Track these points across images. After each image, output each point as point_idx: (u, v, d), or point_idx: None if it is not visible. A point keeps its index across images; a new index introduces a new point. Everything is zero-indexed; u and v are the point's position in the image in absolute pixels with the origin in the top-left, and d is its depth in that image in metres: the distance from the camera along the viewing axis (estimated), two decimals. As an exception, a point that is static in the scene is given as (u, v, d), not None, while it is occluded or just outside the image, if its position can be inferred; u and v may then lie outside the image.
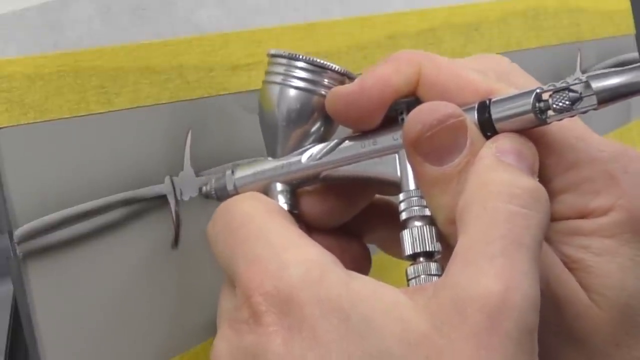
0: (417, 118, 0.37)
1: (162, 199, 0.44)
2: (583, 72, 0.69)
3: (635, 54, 0.75)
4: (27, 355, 0.40)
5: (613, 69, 0.36)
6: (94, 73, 0.42)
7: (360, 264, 0.42)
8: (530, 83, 0.41)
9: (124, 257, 0.42)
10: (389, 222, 0.43)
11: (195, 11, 0.46)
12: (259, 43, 0.48)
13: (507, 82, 0.40)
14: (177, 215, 0.44)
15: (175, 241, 0.44)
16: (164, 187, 0.44)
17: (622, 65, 0.36)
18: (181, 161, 0.45)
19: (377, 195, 0.44)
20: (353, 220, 0.43)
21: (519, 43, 0.63)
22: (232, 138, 0.46)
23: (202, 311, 0.45)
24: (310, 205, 0.42)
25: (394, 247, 0.43)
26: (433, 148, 0.37)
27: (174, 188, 0.44)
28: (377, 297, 0.35)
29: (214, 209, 0.40)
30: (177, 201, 0.44)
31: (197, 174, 0.45)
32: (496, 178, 0.36)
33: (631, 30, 0.75)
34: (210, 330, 0.43)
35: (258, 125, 0.43)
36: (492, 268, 0.33)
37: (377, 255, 0.45)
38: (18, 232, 0.38)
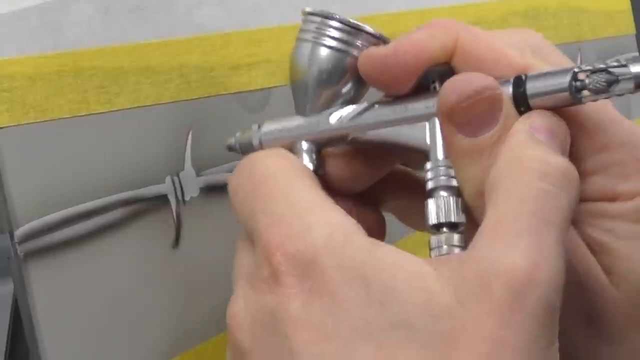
0: (453, 88, 0.37)
1: (162, 199, 0.44)
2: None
3: (635, 54, 0.75)
4: (27, 355, 0.40)
5: None
6: (94, 73, 0.42)
7: (376, 233, 0.42)
8: (563, 60, 0.41)
9: (124, 257, 0.42)
10: (407, 191, 0.43)
11: (196, 11, 0.46)
12: (259, 43, 0.48)
13: (542, 58, 0.39)
14: (178, 215, 0.44)
15: (176, 241, 0.44)
16: (164, 187, 0.44)
17: None
18: (182, 161, 0.45)
19: (397, 166, 0.44)
20: (372, 188, 0.43)
21: (519, 43, 0.63)
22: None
23: (203, 311, 0.44)
24: (335, 168, 0.41)
25: (412, 216, 0.43)
26: (467, 119, 0.37)
27: (174, 188, 0.44)
28: (401, 266, 0.34)
29: (215, 210, 0.40)
30: (177, 201, 0.44)
31: (198, 173, 0.45)
32: (529, 154, 0.36)
33: (631, 30, 0.75)
34: (211, 330, 0.43)
35: (259, 125, 0.43)
36: (520, 244, 0.33)
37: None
38: (19, 232, 0.38)
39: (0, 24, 0.39)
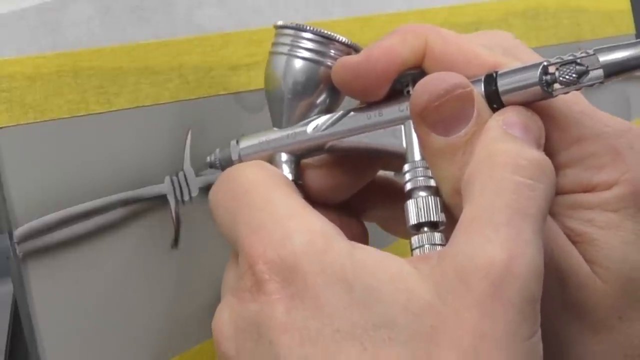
0: (424, 88, 0.37)
1: (162, 199, 0.44)
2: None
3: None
4: (27, 355, 0.40)
5: (621, 43, 0.36)
6: (93, 73, 0.42)
7: (359, 242, 0.42)
8: (535, 58, 0.41)
9: (123, 257, 0.42)
10: (390, 199, 0.43)
11: (195, 11, 0.46)
12: (259, 43, 0.48)
13: (513, 57, 0.40)
14: (177, 215, 0.44)
15: (175, 241, 0.44)
16: (164, 187, 0.44)
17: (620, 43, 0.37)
18: (181, 161, 0.45)
19: (379, 174, 0.44)
20: (353, 197, 0.43)
21: (519, 43, 0.63)
22: (232, 138, 0.46)
23: (202, 311, 0.44)
24: (315, 178, 0.42)
25: (395, 225, 0.43)
26: (440, 118, 0.37)
27: (174, 188, 0.44)
28: (381, 267, 0.35)
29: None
30: (177, 201, 0.44)
31: (197, 173, 0.45)
32: (503, 149, 0.36)
33: (631, 30, 0.75)
34: (210, 330, 0.43)
35: (258, 125, 0.43)
36: (497, 237, 0.34)
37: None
38: (18, 232, 0.38)
39: (0, 24, 0.39)
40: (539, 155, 0.36)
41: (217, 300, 0.39)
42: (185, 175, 0.45)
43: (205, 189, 0.45)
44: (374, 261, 0.35)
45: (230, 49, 0.47)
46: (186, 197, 0.44)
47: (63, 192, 0.40)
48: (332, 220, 0.37)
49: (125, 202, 0.42)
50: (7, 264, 0.39)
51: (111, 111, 0.42)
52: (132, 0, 0.43)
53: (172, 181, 0.44)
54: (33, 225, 0.39)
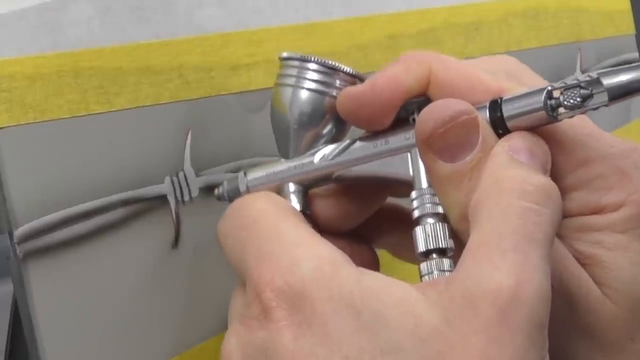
0: (429, 115, 0.37)
1: (162, 199, 0.44)
2: (583, 72, 0.69)
3: (635, 54, 0.75)
4: (27, 355, 0.40)
5: (624, 66, 0.36)
6: (93, 73, 0.42)
7: (370, 269, 0.42)
8: (539, 82, 0.41)
9: (124, 257, 0.42)
10: (400, 226, 0.43)
11: (195, 11, 0.46)
12: (259, 43, 0.48)
13: (517, 81, 0.40)
14: (177, 215, 0.44)
15: (175, 241, 0.44)
16: (164, 187, 0.44)
17: (623, 65, 0.37)
18: (181, 161, 0.45)
19: (388, 201, 0.44)
20: (363, 225, 0.43)
21: (519, 43, 0.63)
22: (232, 138, 0.46)
23: (202, 311, 0.45)
24: (323, 208, 0.42)
25: (405, 251, 0.43)
26: (445, 145, 0.37)
27: (174, 188, 0.44)
28: (389, 293, 0.35)
29: (214, 209, 0.40)
30: (177, 201, 0.44)
31: (197, 174, 0.45)
32: (509, 175, 0.36)
33: (631, 30, 0.75)
34: (211, 330, 0.43)
35: (258, 125, 0.43)
36: (504, 263, 0.34)
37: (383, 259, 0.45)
38: (18, 232, 0.38)
39: (0, 24, 0.39)
40: (545, 180, 0.36)
41: (218, 300, 0.40)
42: (185, 175, 0.45)
43: (206, 189, 0.45)
44: (381, 287, 0.35)
45: (230, 49, 0.47)
46: (186, 197, 0.44)
47: (63, 192, 0.40)
48: (342, 248, 0.37)
49: (125, 202, 0.42)
50: (7, 264, 0.39)
51: (111, 111, 0.42)
52: (132, 0, 0.43)
53: (172, 181, 0.44)
54: (33, 225, 0.39)
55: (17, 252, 0.38)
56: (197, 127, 0.45)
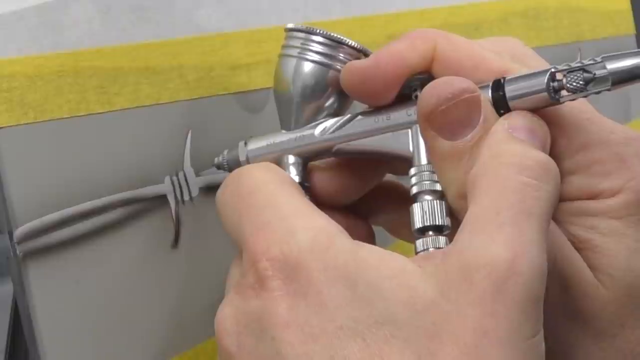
0: (431, 92, 0.37)
1: (162, 199, 0.44)
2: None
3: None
4: (27, 355, 0.40)
5: (628, 51, 0.36)
6: (93, 73, 0.42)
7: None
8: (544, 65, 0.41)
9: (124, 257, 0.42)
10: (397, 204, 0.43)
11: (195, 11, 0.46)
12: (259, 43, 0.48)
13: (521, 63, 0.40)
14: (177, 215, 0.44)
15: (175, 241, 0.44)
16: (163, 187, 0.44)
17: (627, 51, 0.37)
18: (181, 161, 0.45)
19: (386, 178, 0.44)
20: (361, 201, 0.43)
21: (519, 43, 0.63)
22: (232, 138, 0.46)
23: (202, 311, 0.45)
24: (322, 181, 0.42)
25: (401, 229, 0.44)
26: (446, 122, 0.37)
27: (174, 188, 0.44)
28: (384, 264, 0.35)
29: (214, 209, 0.40)
30: (177, 201, 0.44)
31: (197, 173, 0.45)
32: (508, 150, 0.36)
33: (631, 30, 0.75)
34: (211, 330, 0.43)
35: (258, 125, 0.43)
36: (501, 236, 0.34)
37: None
38: (18, 232, 0.38)
39: (0, 23, 0.39)
40: (544, 156, 0.36)
41: (218, 300, 0.39)
42: (185, 175, 0.45)
43: (205, 189, 0.45)
44: (376, 258, 0.35)
45: (230, 49, 0.47)
46: (186, 197, 0.44)
47: (63, 192, 0.40)
48: (338, 222, 0.37)
49: (125, 202, 0.42)
50: (7, 264, 0.39)
51: (111, 111, 0.42)
52: (132, 0, 0.43)
53: (172, 181, 0.44)
54: (33, 225, 0.39)
55: (17, 252, 0.38)
56: (197, 127, 0.45)
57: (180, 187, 0.44)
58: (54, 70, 0.40)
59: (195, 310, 0.44)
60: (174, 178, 0.44)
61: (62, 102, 0.40)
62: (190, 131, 0.45)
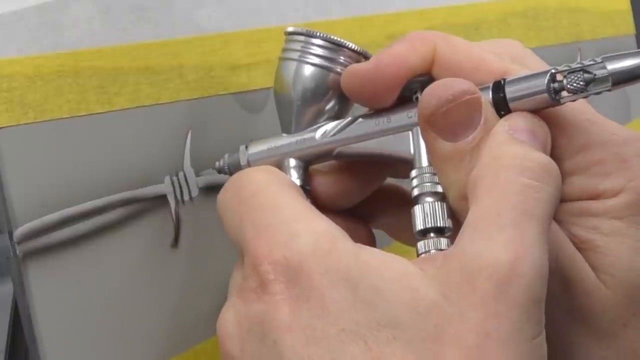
0: (432, 93, 0.37)
1: (162, 199, 0.44)
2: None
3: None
4: (27, 355, 0.40)
5: (629, 52, 0.36)
6: (93, 73, 0.42)
7: None
8: (543, 66, 0.41)
9: (124, 257, 0.42)
10: (398, 207, 0.43)
11: (195, 11, 0.46)
12: (259, 43, 0.48)
13: (521, 65, 0.40)
14: (177, 215, 0.44)
15: (175, 241, 0.44)
16: (163, 187, 0.44)
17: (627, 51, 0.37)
18: (181, 161, 0.45)
19: (387, 181, 0.44)
20: (362, 204, 0.43)
21: (519, 43, 0.63)
22: (232, 138, 0.46)
23: (202, 311, 0.45)
24: (323, 184, 0.42)
25: (402, 232, 0.44)
26: (447, 124, 0.37)
27: (174, 188, 0.44)
28: (386, 267, 0.35)
29: (214, 209, 0.40)
30: (177, 201, 0.44)
31: (197, 173, 0.45)
32: (509, 151, 0.36)
33: (631, 30, 0.75)
34: (211, 330, 0.43)
35: (258, 125, 0.43)
36: (502, 237, 0.34)
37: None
38: (18, 232, 0.38)
39: (0, 23, 0.39)
40: (545, 158, 0.36)
41: (218, 299, 0.40)
42: (185, 175, 0.45)
43: (205, 189, 0.45)
44: (378, 261, 0.35)
45: (230, 49, 0.47)
46: (186, 197, 0.44)
47: (63, 192, 0.40)
48: (339, 225, 0.37)
49: (125, 202, 0.42)
50: (7, 264, 0.39)
51: (111, 111, 0.42)
52: (132, 0, 0.43)
53: (172, 181, 0.44)
54: (33, 225, 0.39)
55: (17, 252, 0.38)
56: (197, 127, 0.45)
57: (180, 187, 0.44)
58: (54, 70, 0.40)
59: (195, 310, 0.45)
60: (174, 178, 0.44)
61: (62, 102, 0.40)
62: (190, 131, 0.45)
